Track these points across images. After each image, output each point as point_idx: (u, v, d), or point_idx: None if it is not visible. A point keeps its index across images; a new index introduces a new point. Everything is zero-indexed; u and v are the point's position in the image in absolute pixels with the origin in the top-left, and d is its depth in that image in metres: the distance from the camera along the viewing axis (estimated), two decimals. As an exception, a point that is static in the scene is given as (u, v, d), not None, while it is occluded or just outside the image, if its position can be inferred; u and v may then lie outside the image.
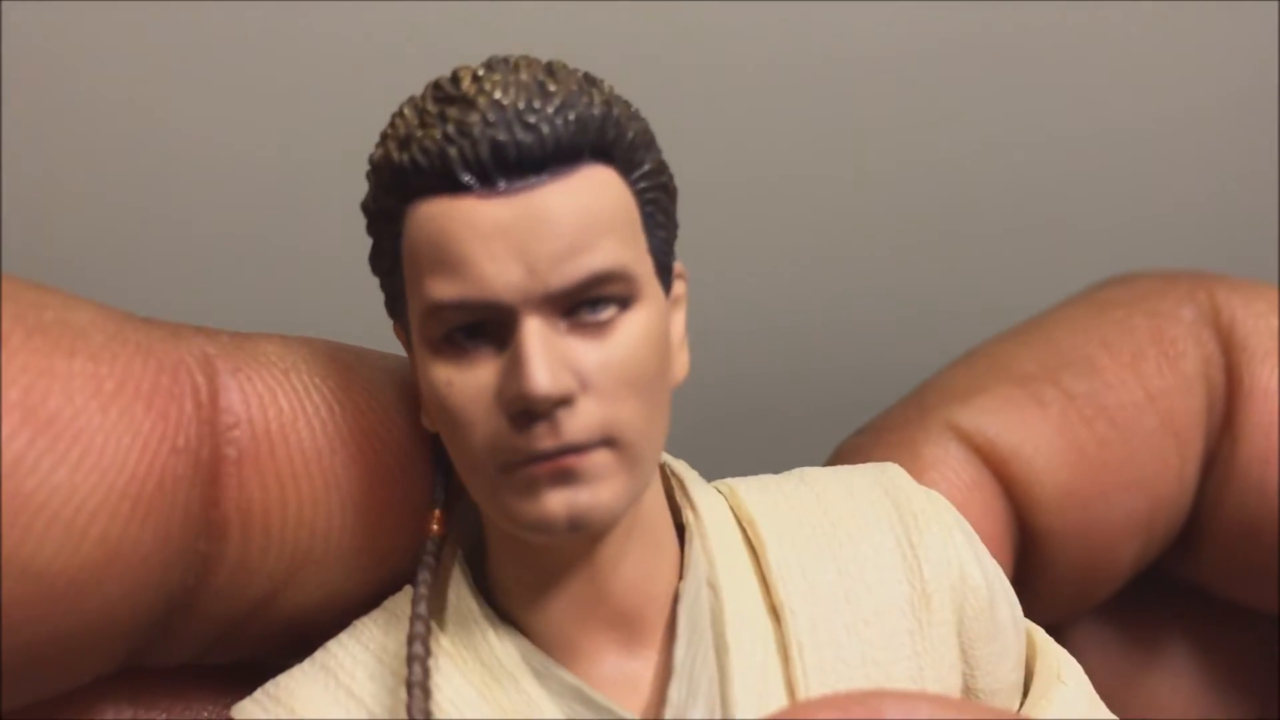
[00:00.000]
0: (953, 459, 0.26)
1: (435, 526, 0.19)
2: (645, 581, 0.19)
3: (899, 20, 0.46)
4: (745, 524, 0.20)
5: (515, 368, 0.17)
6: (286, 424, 0.20)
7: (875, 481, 0.21)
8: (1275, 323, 0.28)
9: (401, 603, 0.20)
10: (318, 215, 0.56)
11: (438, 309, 0.17)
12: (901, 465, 0.22)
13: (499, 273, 0.17)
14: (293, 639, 0.20)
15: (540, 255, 0.17)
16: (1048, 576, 0.27)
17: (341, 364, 0.21)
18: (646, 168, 0.18)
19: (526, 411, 0.17)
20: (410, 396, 0.21)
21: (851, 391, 0.35)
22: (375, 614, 0.20)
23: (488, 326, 0.17)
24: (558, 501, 0.17)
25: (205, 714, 0.22)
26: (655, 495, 0.20)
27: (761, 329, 0.44)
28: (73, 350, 0.18)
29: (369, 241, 0.19)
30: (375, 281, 0.20)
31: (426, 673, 0.18)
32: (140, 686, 0.21)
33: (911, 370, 0.31)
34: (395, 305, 0.19)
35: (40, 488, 0.17)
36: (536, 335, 0.17)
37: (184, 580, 0.19)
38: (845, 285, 0.46)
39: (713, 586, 0.19)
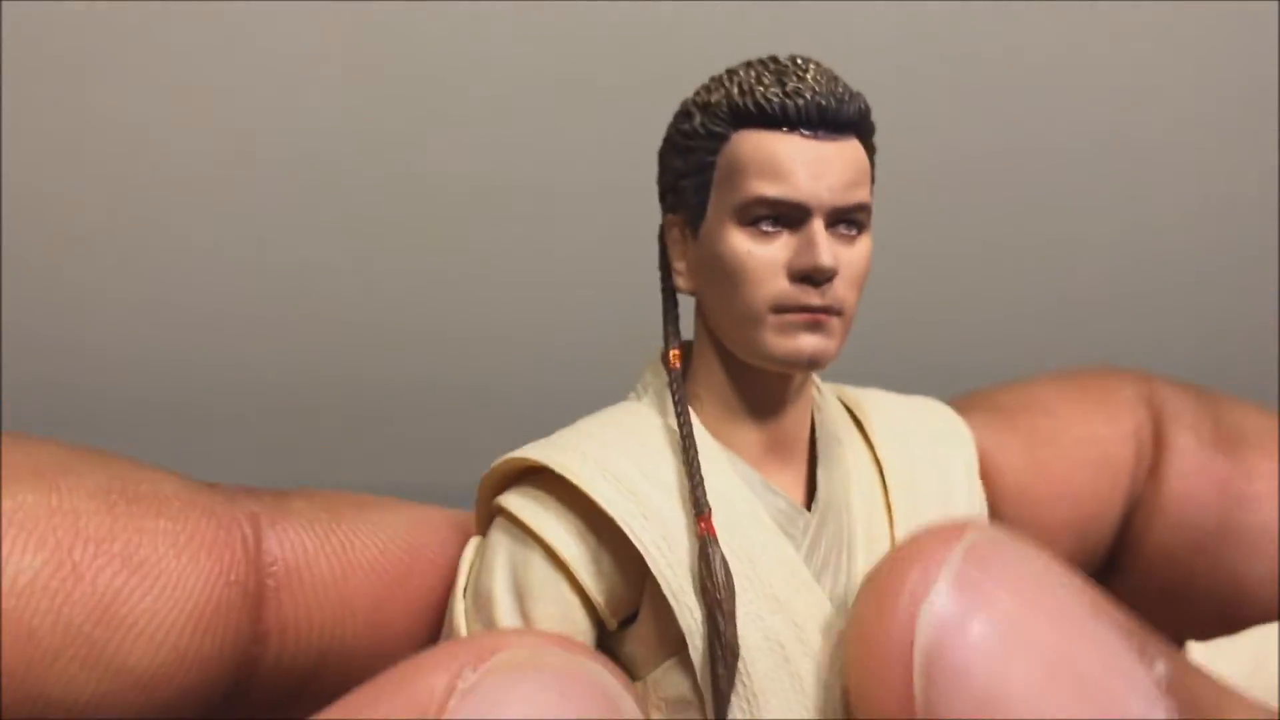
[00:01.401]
0: None
1: (676, 363, 0.27)
2: (801, 426, 0.28)
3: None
4: (850, 406, 0.29)
5: (809, 248, 0.25)
6: (311, 560, 0.28)
7: (931, 405, 0.31)
8: (1195, 405, 0.38)
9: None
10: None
11: (761, 201, 0.25)
12: None
13: (810, 186, 0.25)
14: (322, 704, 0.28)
15: (835, 182, 0.26)
16: None
17: (349, 513, 0.29)
18: (873, 154, 0.28)
19: (809, 277, 0.25)
20: (408, 529, 0.29)
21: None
22: None
23: (784, 219, 0.26)
24: (808, 343, 0.26)
25: None
26: (808, 374, 0.28)
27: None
28: (159, 513, 0.26)
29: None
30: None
31: (688, 414, 0.26)
32: None
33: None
34: (687, 201, 0.27)
35: (132, 611, 0.25)
36: (822, 231, 0.25)
37: (236, 676, 0.27)
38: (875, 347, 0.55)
39: (836, 438, 0.28)
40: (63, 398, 0.70)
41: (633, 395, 0.29)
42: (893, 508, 0.27)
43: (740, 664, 0.24)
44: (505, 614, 0.26)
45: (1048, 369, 0.39)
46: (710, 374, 0.27)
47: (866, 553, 0.27)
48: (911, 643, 0.22)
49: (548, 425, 0.28)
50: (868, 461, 0.28)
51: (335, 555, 0.28)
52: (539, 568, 0.26)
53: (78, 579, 0.24)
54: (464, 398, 0.63)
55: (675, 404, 0.27)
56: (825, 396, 0.29)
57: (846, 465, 0.28)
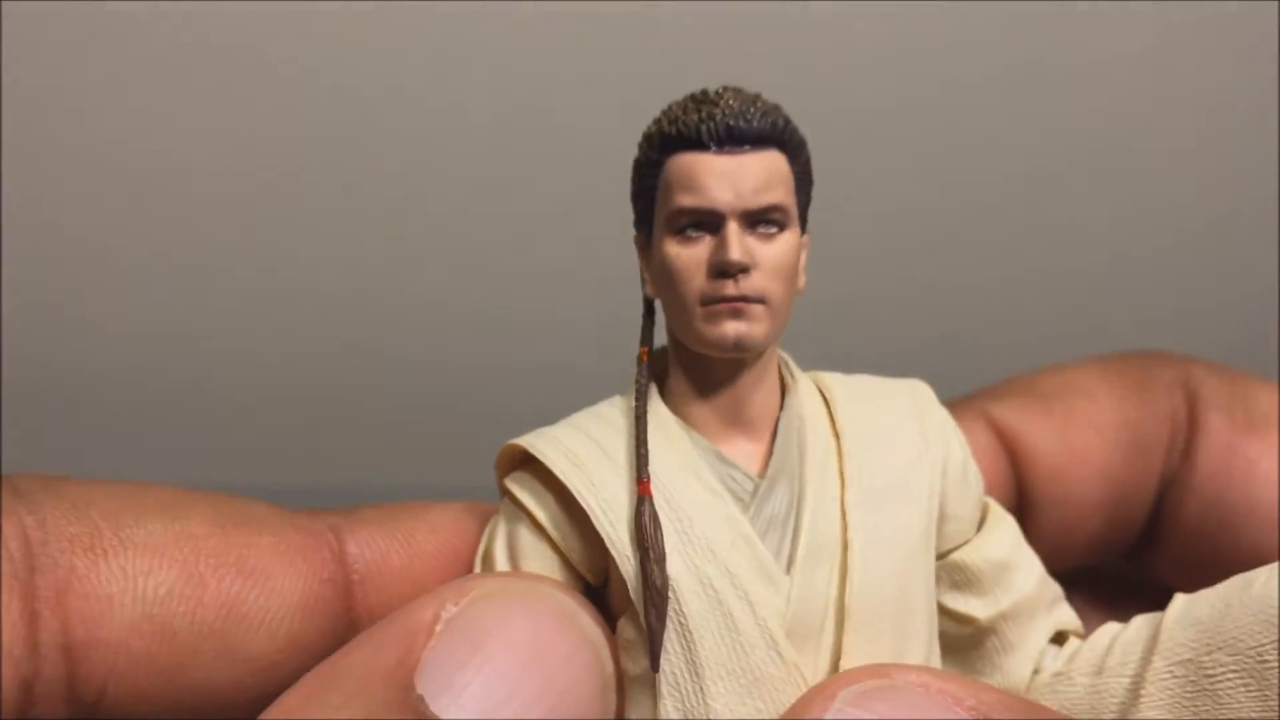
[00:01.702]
0: (979, 431, 0.38)
1: (643, 358, 0.32)
2: (764, 405, 0.31)
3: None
4: (822, 389, 0.33)
5: (721, 247, 0.29)
6: (384, 556, 0.34)
7: (904, 384, 0.33)
8: (1229, 388, 0.39)
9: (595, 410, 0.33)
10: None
11: (681, 211, 0.30)
12: None
13: (720, 195, 0.29)
14: None
15: (744, 189, 0.30)
16: (1031, 534, 0.38)
17: (409, 516, 0.34)
18: (801, 160, 0.31)
19: (724, 271, 0.29)
20: (456, 522, 0.34)
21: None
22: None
23: (705, 225, 0.30)
24: (730, 328, 0.30)
25: None
26: (773, 360, 0.32)
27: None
28: (261, 531, 0.32)
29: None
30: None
31: (646, 410, 0.30)
32: None
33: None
34: (642, 219, 0.32)
35: (251, 609, 0.31)
36: (734, 231, 0.29)
37: None
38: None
39: (800, 416, 0.31)
40: (66, 397, 0.72)
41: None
42: (845, 475, 0.31)
43: (675, 604, 0.28)
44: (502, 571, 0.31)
45: (1055, 356, 0.41)
46: (674, 365, 0.32)
47: (812, 514, 0.30)
48: None
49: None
50: (827, 434, 0.32)
51: (402, 550, 0.34)
52: (526, 534, 0.31)
53: (204, 587, 0.30)
54: (472, 399, 0.66)
55: (636, 391, 0.31)
56: (798, 380, 0.33)
57: (805, 437, 0.31)
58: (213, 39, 0.63)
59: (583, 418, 0.32)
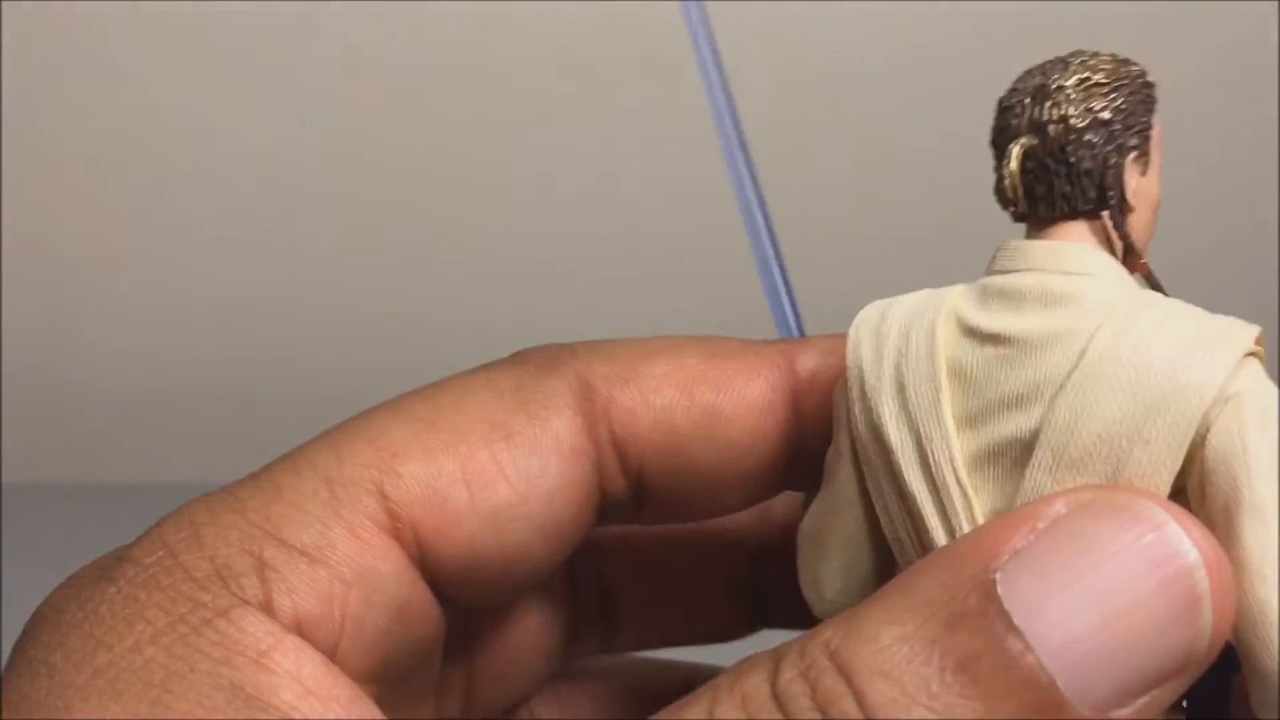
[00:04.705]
0: None
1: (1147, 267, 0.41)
2: None
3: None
4: None
5: None
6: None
7: None
8: None
9: None
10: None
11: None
12: None
13: None
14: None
15: None
16: None
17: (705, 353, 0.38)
18: None
19: None
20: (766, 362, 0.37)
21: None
22: None
23: None
24: None
25: None
26: None
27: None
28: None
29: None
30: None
31: None
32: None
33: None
34: (1134, 141, 0.35)
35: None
36: None
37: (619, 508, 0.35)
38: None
39: None
40: (64, 393, 0.73)
41: (1079, 284, 0.33)
42: None
43: None
44: None
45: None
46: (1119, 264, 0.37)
47: None
48: None
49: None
50: None
51: (674, 406, 0.37)
52: None
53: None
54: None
55: (1159, 288, 0.35)
56: None
57: None
58: (203, 35, 0.64)
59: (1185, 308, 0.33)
